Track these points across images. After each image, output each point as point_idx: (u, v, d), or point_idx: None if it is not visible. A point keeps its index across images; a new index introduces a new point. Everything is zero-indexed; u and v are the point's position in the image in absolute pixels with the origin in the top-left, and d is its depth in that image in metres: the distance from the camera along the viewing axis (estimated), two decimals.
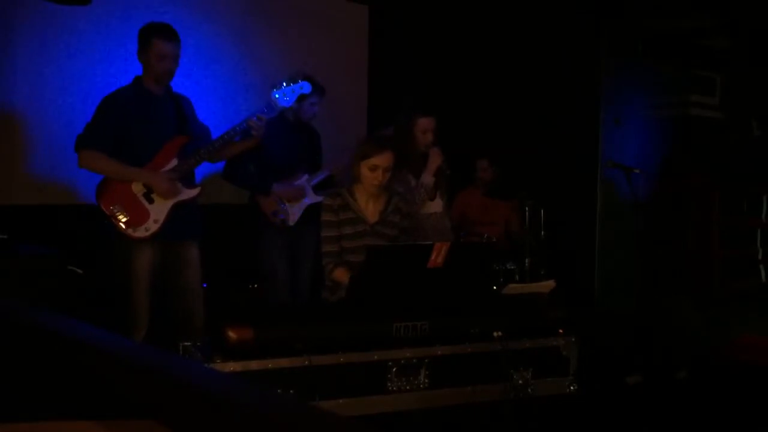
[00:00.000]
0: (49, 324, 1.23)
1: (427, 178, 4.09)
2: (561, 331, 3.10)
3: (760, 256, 6.56)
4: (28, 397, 1.15)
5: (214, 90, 4.14)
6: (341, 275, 3.36)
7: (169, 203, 3.63)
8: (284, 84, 3.99)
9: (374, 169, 3.40)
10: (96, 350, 1.08)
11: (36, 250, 3.48)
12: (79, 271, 3.97)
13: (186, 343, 2.76)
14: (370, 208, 3.51)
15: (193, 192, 3.72)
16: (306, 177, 4.35)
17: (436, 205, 4.22)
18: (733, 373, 4.39)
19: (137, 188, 3.59)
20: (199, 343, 2.73)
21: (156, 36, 3.62)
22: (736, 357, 4.50)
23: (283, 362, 2.59)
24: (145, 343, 3.56)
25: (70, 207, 4.40)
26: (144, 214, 3.59)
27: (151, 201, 3.60)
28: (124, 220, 3.55)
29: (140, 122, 3.63)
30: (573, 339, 3.09)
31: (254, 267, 4.41)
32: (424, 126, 4.11)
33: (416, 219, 3.92)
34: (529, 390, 2.95)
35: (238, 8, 5.07)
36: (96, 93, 4.43)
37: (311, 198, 4.32)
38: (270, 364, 2.58)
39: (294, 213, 4.29)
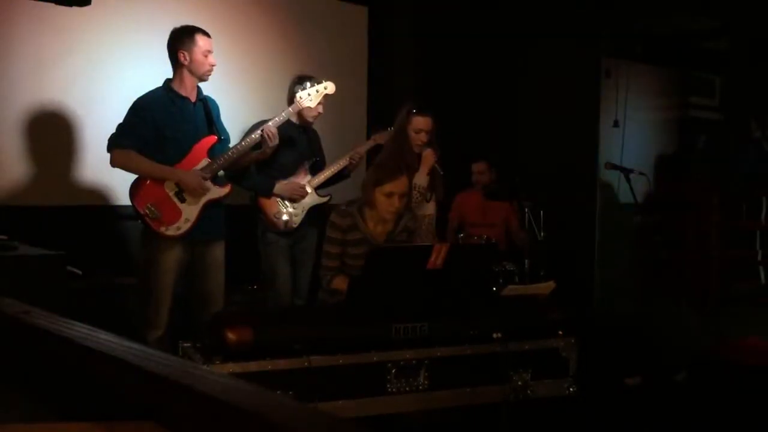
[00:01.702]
0: (47, 324, 1.23)
1: (420, 179, 4.08)
2: (560, 332, 3.10)
3: (759, 258, 6.56)
4: (26, 397, 1.15)
5: (213, 91, 4.14)
6: (340, 283, 3.35)
7: (201, 202, 3.69)
8: (308, 84, 4.03)
9: (390, 195, 3.28)
10: (95, 351, 1.08)
11: (35, 250, 3.48)
12: (78, 272, 3.97)
13: (186, 344, 2.76)
14: (379, 229, 3.43)
15: (224, 190, 3.78)
16: (308, 178, 4.35)
17: (431, 207, 4.22)
18: (732, 375, 4.39)
19: (169, 188, 3.65)
20: (198, 344, 2.74)
21: (200, 33, 3.71)
22: (735, 358, 4.50)
23: (283, 363, 2.60)
24: (159, 343, 3.59)
25: (70, 207, 4.40)
26: (176, 213, 3.64)
27: (183, 200, 3.67)
28: (156, 219, 3.60)
29: (171, 124, 3.69)
30: (572, 340, 3.10)
31: (255, 268, 4.41)
32: (418, 125, 4.12)
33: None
34: (529, 391, 2.95)
35: (237, 9, 5.07)
36: (96, 94, 4.44)
37: (314, 199, 4.32)
38: (269, 365, 2.58)
39: (297, 215, 4.29)
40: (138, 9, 4.60)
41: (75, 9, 4.01)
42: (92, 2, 3.88)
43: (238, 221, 4.39)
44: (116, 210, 4.44)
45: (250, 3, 5.19)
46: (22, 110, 4.27)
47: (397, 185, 3.28)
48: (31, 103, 4.29)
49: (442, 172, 4.17)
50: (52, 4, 3.92)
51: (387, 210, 3.31)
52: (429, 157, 4.11)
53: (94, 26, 4.45)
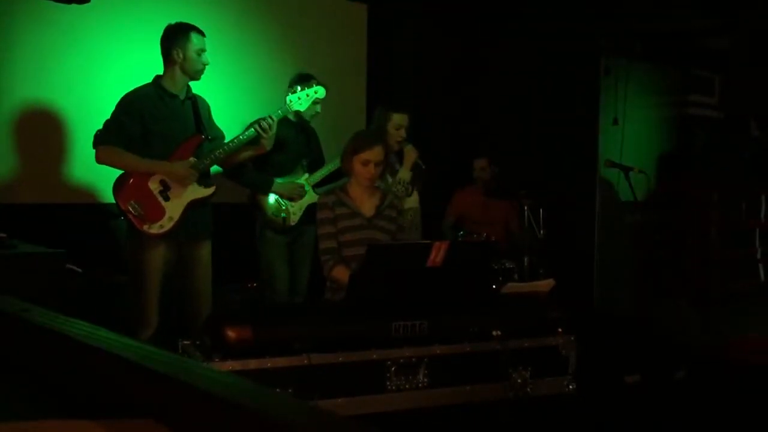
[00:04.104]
0: (47, 322, 1.23)
1: (404, 174, 4.20)
2: (560, 330, 3.10)
3: (758, 256, 6.57)
4: (26, 395, 1.15)
5: (212, 89, 4.14)
6: (341, 273, 3.36)
7: (185, 201, 3.67)
8: (299, 88, 4.03)
9: (366, 163, 3.44)
10: (95, 349, 1.08)
11: (35, 248, 3.49)
12: (78, 269, 3.97)
13: (185, 342, 2.76)
14: (365, 203, 3.53)
15: (208, 191, 3.77)
16: (306, 176, 4.36)
17: (413, 201, 4.34)
18: (731, 373, 4.39)
19: (154, 185, 3.64)
20: (198, 342, 2.74)
21: (194, 31, 3.71)
22: (734, 357, 4.50)
23: (282, 361, 2.60)
24: (151, 342, 3.58)
25: (69, 206, 4.39)
26: (160, 210, 3.64)
27: (167, 198, 3.65)
28: (140, 216, 3.59)
29: (158, 120, 3.69)
30: (572, 338, 3.09)
31: (253, 266, 4.41)
32: (398, 122, 4.25)
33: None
34: (528, 389, 2.95)
35: (236, 8, 5.07)
36: (93, 92, 4.43)
37: (311, 197, 4.32)
38: (269, 363, 2.58)
39: (295, 213, 4.29)
40: (136, 7, 4.59)
41: (73, 7, 4.01)
42: (91, 0, 3.88)
43: (237, 219, 4.39)
44: (113, 208, 4.44)
45: (249, 1, 5.18)
46: (18, 108, 4.27)
47: (373, 153, 3.45)
48: (28, 100, 4.29)
49: (424, 167, 4.31)
50: (51, 2, 3.92)
51: (364, 177, 3.46)
52: (411, 152, 4.25)
53: (92, 24, 4.44)
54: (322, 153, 4.54)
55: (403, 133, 4.25)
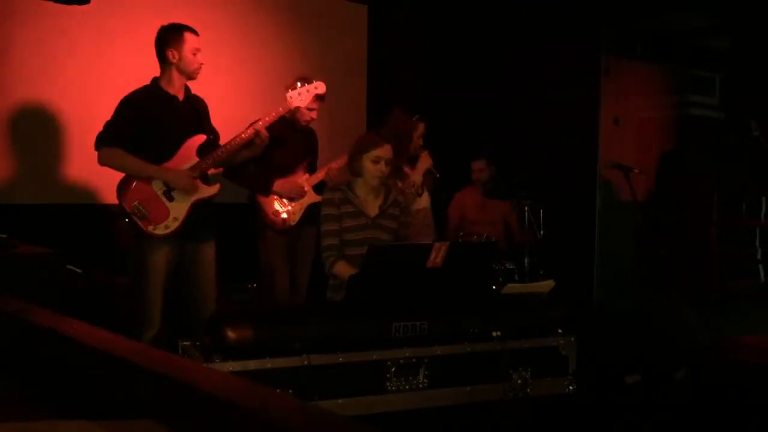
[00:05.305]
0: (47, 323, 1.23)
1: (417, 178, 4.44)
2: (560, 330, 3.10)
3: (759, 256, 6.57)
4: (26, 395, 1.15)
5: (212, 89, 4.14)
6: (343, 269, 3.36)
7: (189, 201, 3.67)
8: (299, 84, 4.03)
9: (377, 161, 3.45)
10: (95, 349, 1.08)
11: (35, 249, 3.49)
12: (78, 270, 3.97)
13: (185, 343, 2.76)
14: (370, 202, 3.54)
15: (212, 190, 3.77)
16: (306, 177, 4.36)
17: (424, 201, 4.58)
18: (731, 373, 4.39)
19: (157, 186, 3.64)
20: (198, 343, 2.74)
21: (188, 30, 3.69)
22: (734, 357, 4.50)
23: (282, 362, 2.59)
24: (153, 343, 3.57)
25: (69, 206, 4.40)
26: (164, 211, 3.63)
27: (171, 199, 3.65)
28: (144, 217, 3.59)
29: (159, 122, 3.68)
30: (572, 338, 3.10)
31: (254, 266, 4.41)
32: (422, 131, 4.57)
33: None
34: (528, 390, 2.95)
35: (236, 8, 5.07)
36: (94, 94, 4.44)
37: (312, 197, 4.32)
38: (269, 363, 2.58)
39: (295, 213, 4.29)
40: (135, 8, 4.59)
41: (74, 7, 4.01)
42: (91, 1, 3.88)
43: (237, 220, 4.39)
44: (113, 208, 4.44)
45: (249, 2, 5.18)
46: (19, 108, 4.27)
47: (384, 150, 3.47)
48: (29, 101, 4.30)
49: (438, 175, 4.50)
50: (51, 2, 3.92)
51: (374, 175, 3.47)
52: (427, 158, 4.47)
53: (92, 25, 4.45)
54: (317, 155, 4.55)
55: (421, 141, 4.56)
